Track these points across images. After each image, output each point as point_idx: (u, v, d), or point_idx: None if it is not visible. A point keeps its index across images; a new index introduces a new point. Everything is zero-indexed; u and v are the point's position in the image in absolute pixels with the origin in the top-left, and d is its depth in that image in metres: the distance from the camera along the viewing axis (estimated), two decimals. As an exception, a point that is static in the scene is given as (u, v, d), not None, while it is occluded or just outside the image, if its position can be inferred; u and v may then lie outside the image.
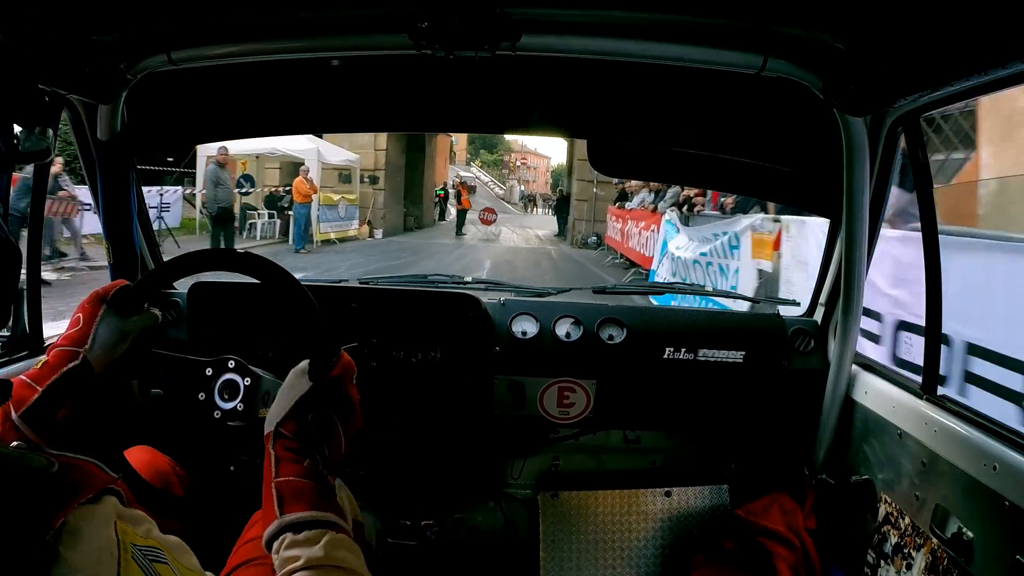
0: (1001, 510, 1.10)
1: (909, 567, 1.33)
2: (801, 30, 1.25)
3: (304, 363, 0.94)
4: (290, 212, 14.28)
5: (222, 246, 10.22)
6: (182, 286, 1.77)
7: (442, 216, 28.08)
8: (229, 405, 1.10)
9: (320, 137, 15.18)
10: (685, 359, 1.77)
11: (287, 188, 15.15)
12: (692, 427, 1.93)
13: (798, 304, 2.03)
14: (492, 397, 1.75)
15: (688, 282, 7.00)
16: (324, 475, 0.87)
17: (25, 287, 1.50)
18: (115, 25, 1.31)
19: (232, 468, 1.76)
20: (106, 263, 1.76)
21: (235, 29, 1.35)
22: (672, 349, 1.77)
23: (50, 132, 0.98)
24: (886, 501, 1.46)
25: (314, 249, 13.84)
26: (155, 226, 10.91)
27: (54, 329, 1.63)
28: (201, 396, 1.11)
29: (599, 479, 1.94)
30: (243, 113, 1.80)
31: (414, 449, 1.74)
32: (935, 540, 1.26)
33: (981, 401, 2.58)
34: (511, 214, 38.84)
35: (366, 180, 18.65)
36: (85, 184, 2.02)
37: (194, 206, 14.08)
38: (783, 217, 5.46)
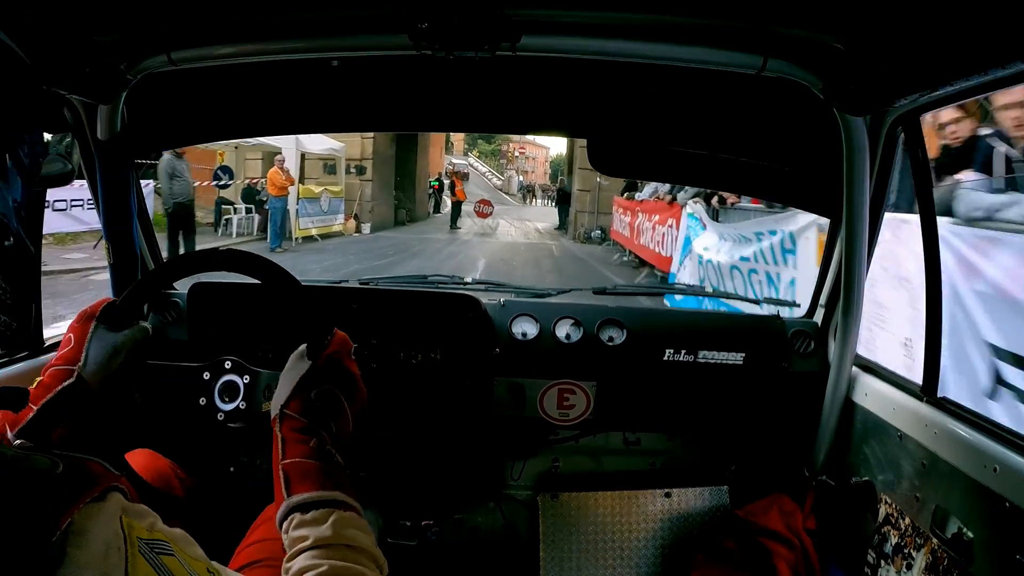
0: (1001, 511, 1.10)
1: (909, 567, 1.33)
2: (801, 30, 1.25)
3: (302, 346, 0.95)
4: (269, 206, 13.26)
5: (181, 247, 9.59)
6: (182, 286, 1.77)
7: (437, 208, 26.85)
8: (230, 406, 1.11)
9: (302, 124, 14.50)
10: (685, 361, 1.77)
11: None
12: (692, 429, 1.93)
13: (798, 305, 2.03)
14: (492, 398, 1.75)
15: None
16: (332, 454, 0.87)
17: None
18: (115, 25, 1.31)
19: (232, 469, 1.77)
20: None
21: (235, 29, 1.35)
22: (672, 351, 1.77)
23: (74, 155, 0.99)
24: (886, 502, 1.45)
25: (292, 247, 12.99)
26: None
27: (54, 330, 1.65)
28: (202, 401, 1.11)
29: (599, 480, 1.94)
30: (243, 113, 1.80)
31: (414, 450, 1.74)
32: (935, 541, 1.26)
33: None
34: (509, 205, 37.76)
35: (352, 171, 17.42)
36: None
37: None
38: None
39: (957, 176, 3.27)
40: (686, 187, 8.47)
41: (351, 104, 1.75)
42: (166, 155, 9.69)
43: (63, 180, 1.26)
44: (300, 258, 11.53)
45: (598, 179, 17.08)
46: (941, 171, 3.32)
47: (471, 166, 53.24)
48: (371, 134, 16.90)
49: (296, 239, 13.38)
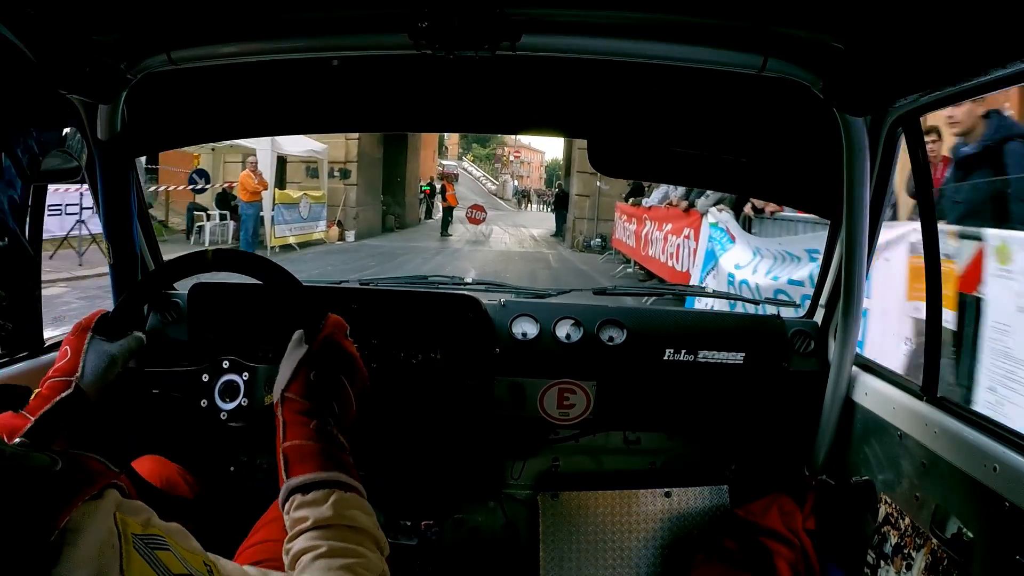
0: (1001, 511, 1.10)
1: (909, 567, 1.33)
2: (801, 30, 1.25)
3: (298, 332, 0.96)
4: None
5: None
6: (182, 287, 1.77)
7: (429, 214, 26.00)
8: (232, 405, 1.11)
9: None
10: (685, 360, 1.77)
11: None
12: (692, 428, 1.93)
13: (799, 306, 2.03)
14: (492, 398, 1.75)
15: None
16: (334, 435, 0.87)
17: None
18: (115, 25, 1.31)
19: (232, 469, 1.77)
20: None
21: (235, 29, 1.35)
22: (672, 350, 1.77)
23: (76, 144, 1.00)
24: (886, 502, 1.45)
25: (267, 257, 11.86)
26: (76, 231, 9.46)
27: (53, 330, 1.65)
28: (203, 403, 1.11)
29: (599, 480, 1.94)
30: (243, 113, 1.80)
31: (414, 450, 1.74)
32: (935, 541, 1.26)
33: None
34: (504, 211, 36.79)
35: (336, 174, 16.36)
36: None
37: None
38: (989, 231, 2.99)
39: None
40: (707, 192, 7.50)
41: (351, 104, 1.75)
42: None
43: (69, 175, 1.26)
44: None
45: (598, 183, 16.36)
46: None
47: (465, 170, 52.77)
48: (356, 135, 16.17)
49: (272, 248, 12.55)
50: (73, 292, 8.20)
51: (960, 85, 1.04)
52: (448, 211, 20.56)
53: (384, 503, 1.84)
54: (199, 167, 13.33)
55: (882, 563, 1.43)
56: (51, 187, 1.62)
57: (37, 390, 1.01)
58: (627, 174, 2.03)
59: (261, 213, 12.31)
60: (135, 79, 1.45)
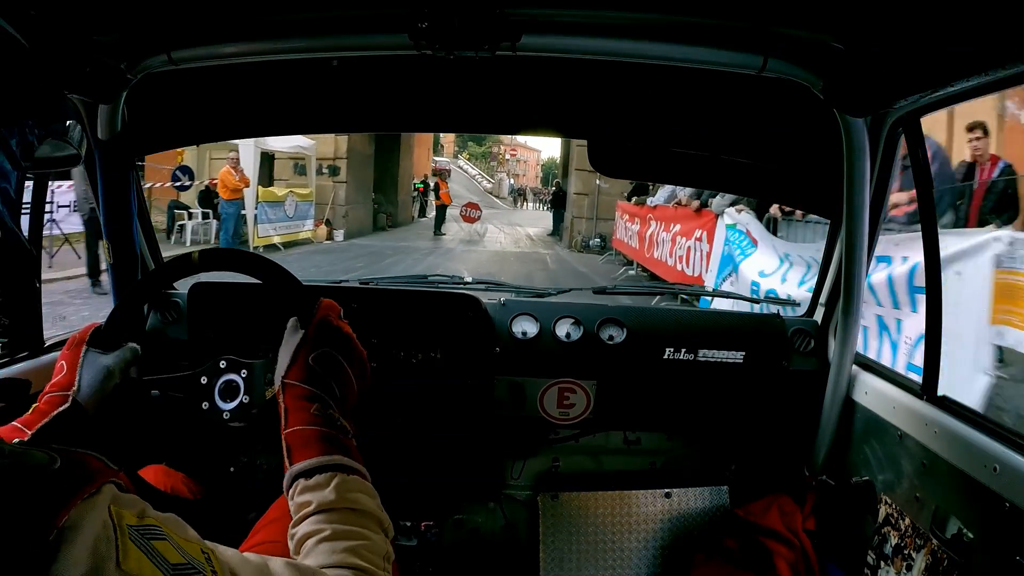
0: (1001, 511, 1.10)
1: (909, 568, 1.33)
2: (801, 30, 1.25)
3: (292, 319, 0.96)
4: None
5: (102, 262, 7.76)
6: (182, 287, 1.77)
7: (422, 212, 25.04)
8: (232, 404, 1.11)
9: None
10: (685, 359, 1.77)
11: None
12: (692, 428, 1.93)
13: (798, 305, 2.03)
14: (492, 398, 1.75)
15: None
16: (335, 419, 0.88)
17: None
18: (115, 25, 1.31)
19: (232, 469, 1.77)
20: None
21: (235, 29, 1.35)
22: (672, 350, 1.77)
23: (74, 133, 0.99)
24: (886, 502, 1.45)
25: None
26: (46, 231, 8.52)
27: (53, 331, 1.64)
28: (205, 405, 1.11)
29: (599, 480, 1.94)
30: (243, 113, 1.80)
31: (414, 450, 1.74)
32: (935, 541, 1.26)
33: None
34: (500, 209, 36.25)
35: (325, 171, 15.75)
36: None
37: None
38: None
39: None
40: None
41: (351, 104, 1.75)
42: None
43: (67, 163, 1.25)
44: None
45: (597, 181, 15.68)
46: None
47: (460, 168, 52.43)
48: (345, 131, 15.89)
49: (255, 248, 11.75)
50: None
51: (960, 85, 1.04)
52: (442, 210, 19.93)
53: (384, 503, 1.85)
54: (183, 164, 12.80)
55: (882, 563, 1.43)
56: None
57: (35, 405, 1.01)
58: (627, 174, 2.03)
59: (243, 212, 11.78)
60: (135, 79, 1.45)
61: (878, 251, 3.05)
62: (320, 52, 1.37)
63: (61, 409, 0.98)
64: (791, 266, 4.96)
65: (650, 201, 10.35)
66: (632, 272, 11.34)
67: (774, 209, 5.86)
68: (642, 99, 1.66)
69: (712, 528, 1.85)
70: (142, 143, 1.72)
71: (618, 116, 1.73)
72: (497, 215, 29.41)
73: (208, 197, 13.20)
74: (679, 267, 8.04)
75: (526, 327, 1.79)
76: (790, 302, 2.11)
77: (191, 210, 13.11)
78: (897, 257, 3.54)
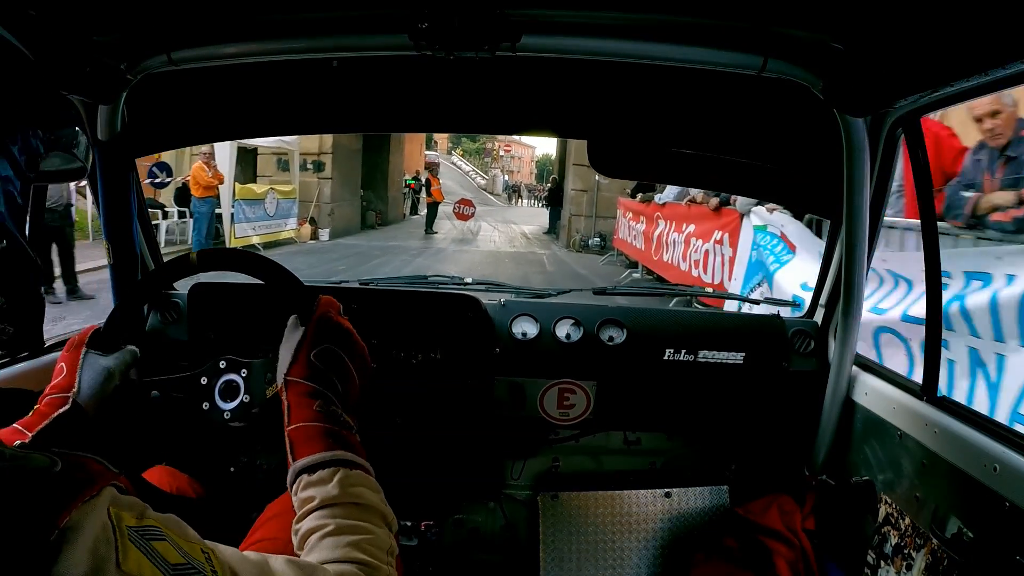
0: (1001, 511, 1.10)
1: (909, 567, 1.33)
2: (801, 30, 1.25)
3: (293, 317, 0.97)
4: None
5: (55, 267, 7.37)
6: (182, 287, 1.77)
7: (414, 210, 24.22)
8: (233, 404, 1.11)
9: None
10: (685, 360, 1.77)
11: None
12: (692, 428, 1.93)
13: (797, 305, 2.03)
14: (492, 398, 1.76)
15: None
16: (338, 414, 0.88)
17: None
18: (115, 25, 1.31)
19: (232, 470, 1.77)
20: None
21: (235, 29, 1.35)
22: (672, 350, 1.77)
23: (81, 145, 1.00)
24: (886, 502, 1.46)
25: None
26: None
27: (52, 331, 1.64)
28: (205, 406, 1.11)
29: (599, 480, 1.94)
30: (243, 113, 1.80)
31: (414, 450, 1.74)
32: (935, 541, 1.26)
33: None
34: (494, 206, 35.64)
35: (309, 167, 15.02)
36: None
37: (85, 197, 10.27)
38: None
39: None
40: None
41: (351, 104, 1.75)
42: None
43: (72, 176, 1.26)
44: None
45: (597, 177, 14.82)
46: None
47: (454, 164, 52.03)
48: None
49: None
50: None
51: (960, 85, 1.04)
52: (433, 207, 18.91)
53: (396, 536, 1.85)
54: (161, 160, 11.99)
55: (882, 563, 1.43)
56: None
57: (36, 406, 1.01)
58: (627, 174, 2.03)
59: (218, 210, 11.09)
60: (135, 79, 1.45)
61: (973, 267, 2.89)
62: (320, 52, 1.37)
63: (61, 411, 0.98)
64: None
65: (658, 198, 9.28)
66: (636, 275, 10.62)
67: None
68: (642, 99, 1.66)
69: (712, 528, 1.86)
70: (142, 143, 1.72)
71: (618, 117, 1.73)
72: (491, 212, 28.75)
73: (185, 195, 12.27)
74: (695, 272, 7.04)
75: (526, 328, 1.79)
76: (790, 303, 2.11)
77: (166, 208, 12.57)
78: (1000, 275, 2.76)
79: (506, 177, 51.89)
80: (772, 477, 1.82)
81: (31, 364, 1.47)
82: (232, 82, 1.60)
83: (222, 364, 1.13)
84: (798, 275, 4.28)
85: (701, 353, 1.77)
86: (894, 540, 1.40)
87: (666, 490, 1.90)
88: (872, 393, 1.59)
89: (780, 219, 4.92)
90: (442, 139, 55.52)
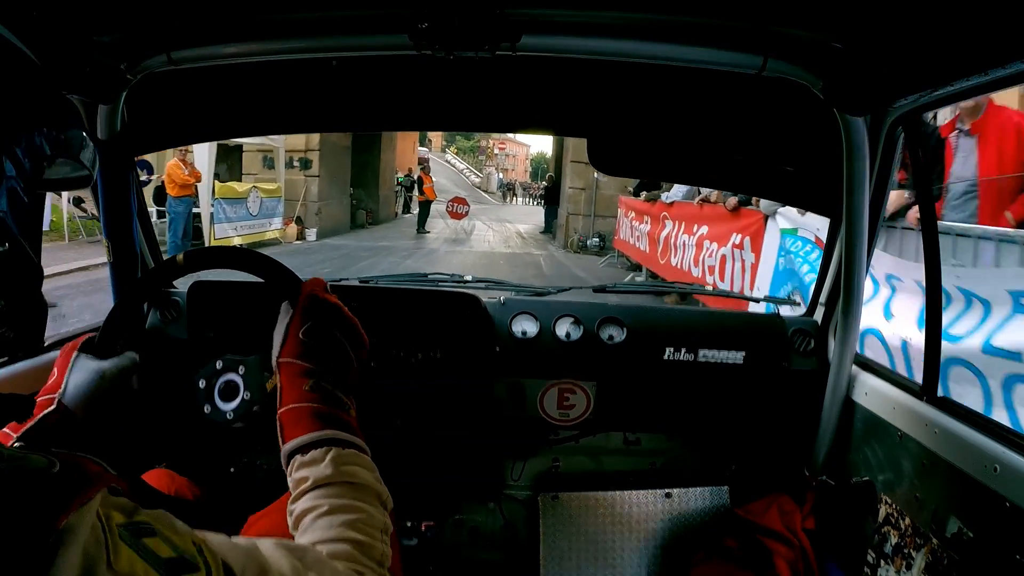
0: (1001, 511, 1.10)
1: (909, 567, 1.33)
2: (801, 30, 1.25)
3: (284, 303, 0.97)
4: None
5: None
6: (182, 285, 1.78)
7: (407, 209, 23.70)
8: (234, 403, 1.11)
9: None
10: (685, 360, 1.77)
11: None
12: (692, 428, 1.93)
13: (798, 304, 2.03)
14: (492, 398, 1.75)
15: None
16: (329, 391, 0.87)
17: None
18: (115, 25, 1.31)
19: (232, 470, 1.77)
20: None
21: (235, 29, 1.35)
22: (672, 349, 1.77)
23: (87, 152, 0.99)
24: (886, 502, 1.46)
25: None
26: None
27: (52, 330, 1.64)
28: (207, 409, 1.11)
29: (599, 480, 1.94)
30: (243, 113, 1.80)
31: (414, 449, 1.74)
32: (935, 541, 1.26)
33: None
34: (488, 205, 35.02)
35: (295, 164, 14.52)
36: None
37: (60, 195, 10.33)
38: None
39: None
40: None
41: (351, 103, 1.75)
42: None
43: (78, 184, 1.25)
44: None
45: (595, 175, 14.27)
46: None
47: (448, 162, 51.70)
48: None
49: None
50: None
51: (960, 85, 1.04)
52: (425, 206, 18.29)
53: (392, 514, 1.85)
54: (142, 158, 11.60)
55: (882, 563, 1.43)
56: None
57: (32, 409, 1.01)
58: (627, 173, 2.03)
59: (195, 209, 10.64)
60: (135, 79, 1.45)
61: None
62: (320, 52, 1.37)
63: (47, 412, 0.98)
64: (894, 293, 3.23)
65: (665, 197, 8.61)
66: (640, 279, 9.97)
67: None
68: (642, 98, 1.66)
69: (712, 528, 1.85)
70: (142, 143, 1.72)
71: (618, 115, 1.73)
72: (485, 211, 28.29)
73: (163, 194, 11.61)
74: (709, 279, 6.36)
75: (526, 326, 1.79)
76: (790, 302, 2.11)
77: (147, 208, 12.05)
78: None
79: (501, 175, 51.48)
80: (772, 477, 1.82)
81: (31, 364, 1.47)
82: (232, 81, 1.60)
83: (218, 364, 1.12)
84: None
85: (701, 352, 1.77)
86: (894, 540, 1.40)
87: (666, 490, 1.90)
88: (872, 393, 1.59)
89: (815, 222, 4.24)
90: (436, 137, 55.29)
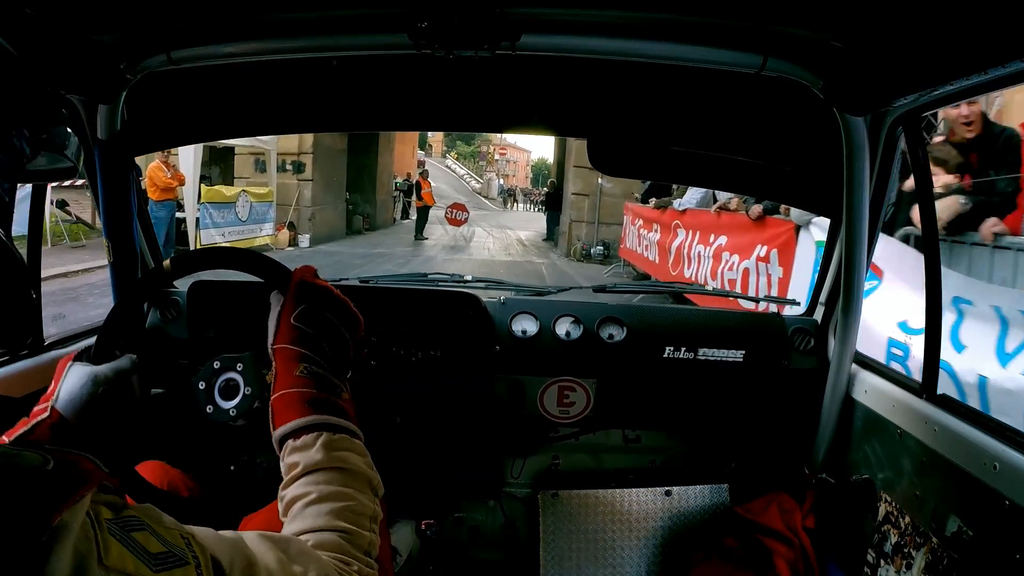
0: (1001, 509, 1.10)
1: (909, 566, 1.33)
2: (801, 30, 1.25)
3: (274, 293, 0.98)
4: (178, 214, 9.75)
5: None
6: (182, 285, 1.78)
7: (405, 214, 23.11)
8: (235, 401, 1.11)
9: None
10: (685, 358, 1.77)
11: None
12: (692, 426, 1.94)
13: (798, 303, 2.03)
14: (492, 396, 1.76)
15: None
16: (322, 375, 0.87)
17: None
18: (115, 25, 1.31)
19: (232, 468, 1.77)
20: None
21: (235, 29, 1.35)
22: (672, 348, 1.77)
23: (72, 146, 1.00)
24: (886, 500, 1.46)
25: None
26: None
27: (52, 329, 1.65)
28: (209, 409, 1.11)
29: (599, 478, 1.95)
30: (243, 112, 1.80)
31: (414, 448, 1.74)
32: (935, 539, 1.26)
33: None
34: (489, 211, 34.54)
35: (288, 168, 14.07)
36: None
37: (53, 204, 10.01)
38: None
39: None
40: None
41: (351, 104, 1.75)
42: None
43: (63, 175, 1.26)
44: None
45: (600, 180, 13.61)
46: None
47: (448, 168, 51.49)
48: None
49: None
50: None
51: (960, 85, 1.04)
52: (424, 211, 17.93)
53: (384, 503, 1.85)
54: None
55: (882, 562, 1.43)
56: None
57: (24, 418, 1.01)
58: (627, 173, 2.03)
59: (178, 214, 10.17)
60: (135, 79, 1.44)
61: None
62: (320, 52, 1.37)
63: (40, 419, 0.99)
64: (962, 319, 2.72)
65: (677, 204, 7.99)
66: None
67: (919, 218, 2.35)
68: (642, 98, 1.66)
69: (712, 526, 1.86)
70: (142, 143, 1.72)
71: (618, 115, 1.73)
72: (486, 217, 27.80)
73: (146, 198, 11.78)
74: (731, 291, 5.58)
75: (526, 326, 1.79)
76: (790, 301, 2.11)
77: None
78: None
79: (501, 181, 51.12)
80: (772, 475, 1.82)
81: (31, 363, 1.47)
82: (232, 81, 1.60)
83: (216, 364, 1.12)
84: (892, 311, 2.99)
85: (701, 351, 1.77)
86: (894, 539, 1.40)
87: (666, 488, 1.90)
88: (872, 391, 1.59)
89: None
90: (437, 142, 55.16)
